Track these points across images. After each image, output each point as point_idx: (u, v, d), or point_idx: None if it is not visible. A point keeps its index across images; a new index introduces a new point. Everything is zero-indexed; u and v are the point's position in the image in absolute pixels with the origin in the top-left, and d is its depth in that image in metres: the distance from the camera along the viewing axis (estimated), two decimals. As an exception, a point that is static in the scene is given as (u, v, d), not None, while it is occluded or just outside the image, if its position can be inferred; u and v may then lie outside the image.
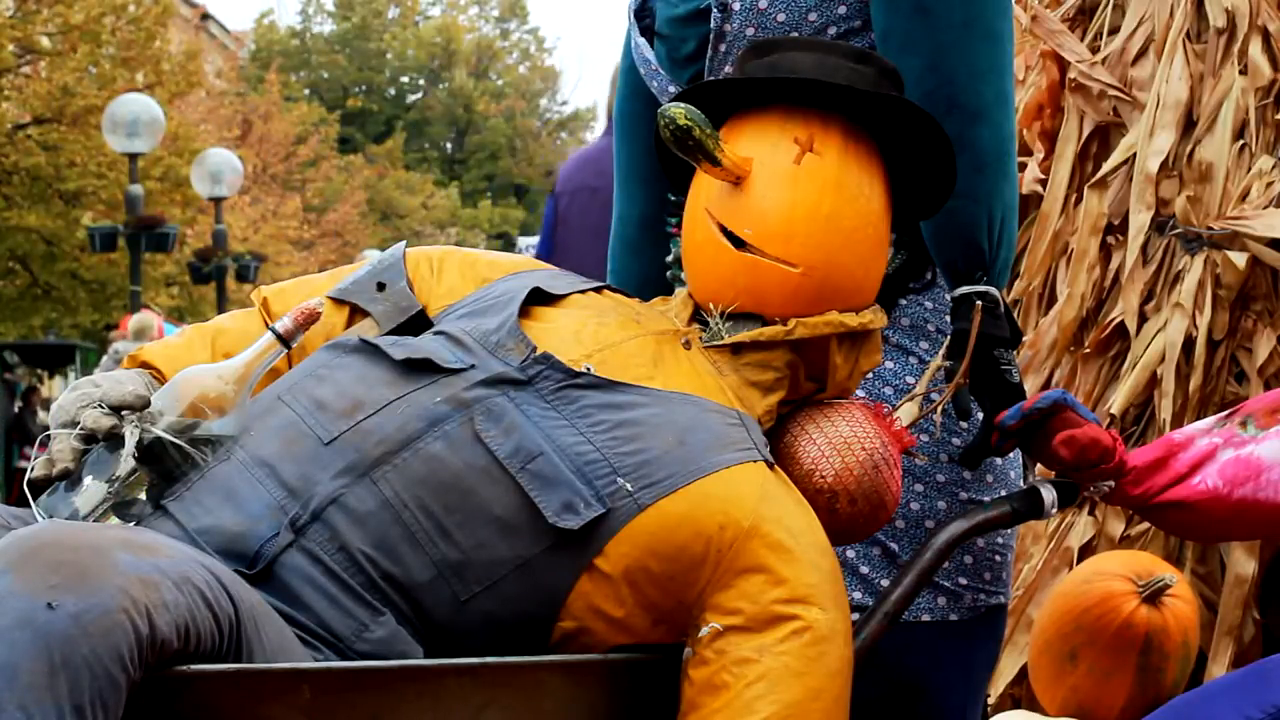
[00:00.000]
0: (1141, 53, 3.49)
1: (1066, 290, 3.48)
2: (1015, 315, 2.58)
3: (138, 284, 15.95)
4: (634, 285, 2.26)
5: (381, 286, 1.95)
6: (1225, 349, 3.26)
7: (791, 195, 1.87)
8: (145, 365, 1.88)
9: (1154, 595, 2.55)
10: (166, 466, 1.69)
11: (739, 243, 1.88)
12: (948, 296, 2.14)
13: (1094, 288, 3.45)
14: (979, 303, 2.07)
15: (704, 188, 1.92)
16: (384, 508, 1.66)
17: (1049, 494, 2.05)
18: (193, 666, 1.49)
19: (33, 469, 1.70)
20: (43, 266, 19.84)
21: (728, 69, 2.18)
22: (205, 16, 33.08)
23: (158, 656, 1.44)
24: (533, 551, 1.67)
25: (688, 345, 1.87)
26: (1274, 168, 3.29)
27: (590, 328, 1.84)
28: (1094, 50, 3.57)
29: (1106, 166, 3.46)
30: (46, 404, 18.30)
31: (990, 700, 3.28)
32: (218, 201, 18.74)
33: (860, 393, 2.10)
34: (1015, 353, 2.12)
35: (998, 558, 2.22)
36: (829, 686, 1.70)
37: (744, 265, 1.87)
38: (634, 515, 1.69)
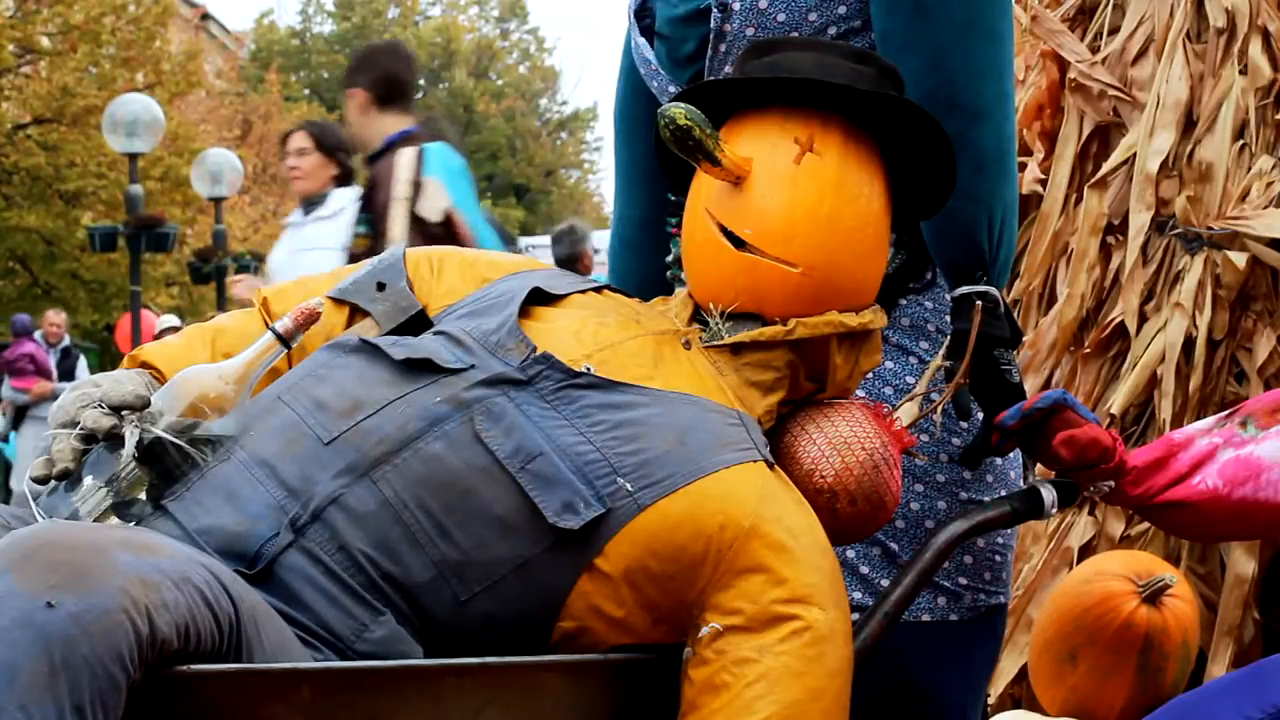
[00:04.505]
0: (1141, 53, 3.49)
1: (1066, 290, 3.48)
2: (1015, 315, 2.58)
3: (138, 284, 15.95)
4: (634, 285, 2.26)
5: (381, 286, 1.95)
6: (1225, 349, 3.27)
7: (791, 195, 1.87)
8: (145, 365, 1.88)
9: (1154, 595, 2.55)
10: (166, 466, 1.69)
11: (739, 243, 1.88)
12: (948, 296, 2.14)
13: (1094, 288, 3.46)
14: (979, 303, 2.07)
15: (704, 188, 1.92)
16: (384, 508, 1.66)
17: (1049, 494, 2.04)
18: (193, 666, 1.49)
19: (33, 469, 1.70)
20: (43, 266, 19.85)
21: (728, 69, 2.18)
22: (205, 16, 33.05)
23: (158, 656, 1.44)
24: (533, 551, 1.67)
25: (688, 345, 1.87)
26: (1274, 168, 3.29)
27: (590, 328, 1.84)
28: (1094, 50, 3.57)
29: (1106, 166, 3.47)
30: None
31: (990, 700, 3.28)
32: (218, 201, 18.72)
33: (860, 393, 2.10)
34: (1015, 353, 2.12)
35: (998, 558, 2.22)
36: (829, 686, 1.70)
37: (744, 265, 1.87)
38: (634, 515, 1.69)
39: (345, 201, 5.60)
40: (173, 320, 13.91)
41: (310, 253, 5.56)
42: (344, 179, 5.79)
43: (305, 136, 5.84)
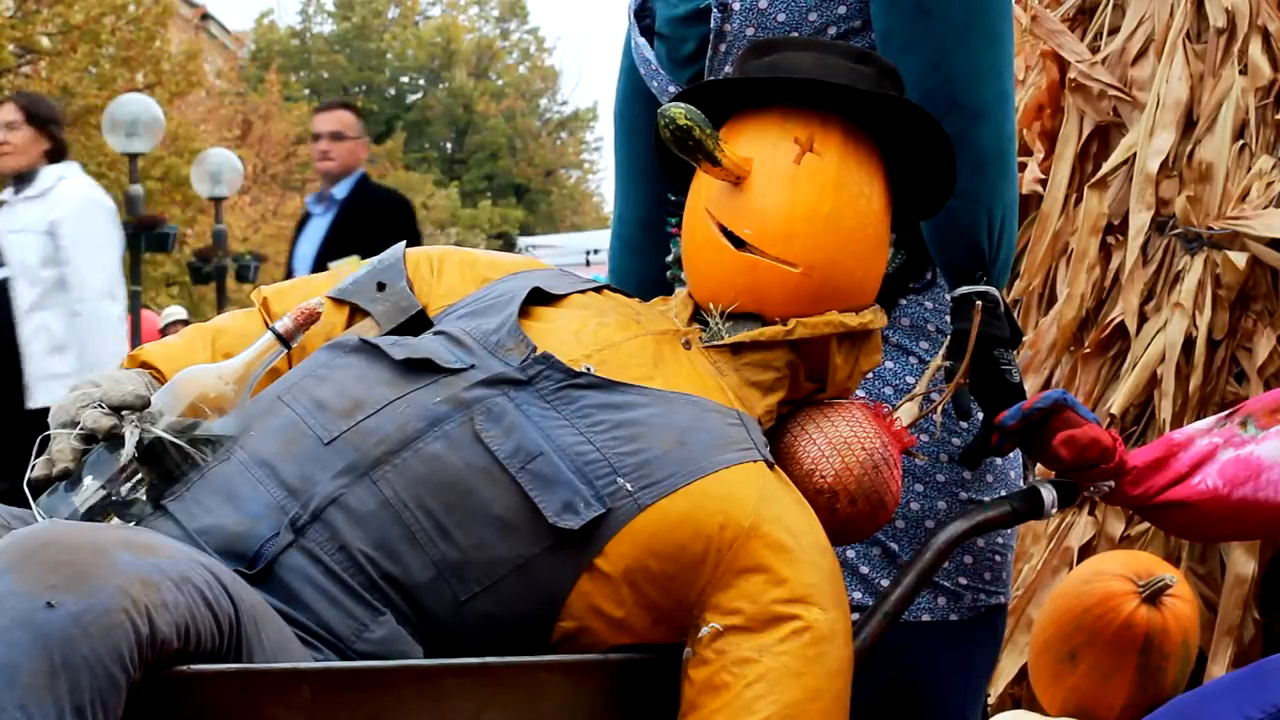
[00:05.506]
0: (1141, 53, 3.49)
1: (1066, 290, 3.48)
2: (1015, 315, 2.58)
3: (138, 284, 15.93)
4: (634, 285, 2.26)
5: (381, 286, 1.95)
6: (1225, 349, 3.27)
7: (791, 195, 1.87)
8: (145, 365, 1.88)
9: (1154, 595, 2.55)
10: (166, 466, 1.69)
11: (739, 243, 1.88)
12: (948, 296, 2.14)
13: (1094, 288, 3.46)
14: (979, 303, 2.07)
15: (704, 188, 1.92)
16: (384, 508, 1.66)
17: (1049, 494, 2.04)
18: (193, 666, 1.49)
19: (33, 469, 1.70)
20: (43, 266, 19.80)
21: (728, 69, 2.18)
22: (205, 16, 33.06)
23: (158, 656, 1.44)
24: (533, 551, 1.67)
25: (688, 345, 1.87)
26: (1274, 168, 3.29)
27: (590, 328, 1.84)
28: (1094, 50, 3.57)
29: (1106, 166, 3.47)
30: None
31: (990, 700, 3.28)
32: (218, 201, 18.73)
33: (860, 393, 2.10)
34: (1015, 353, 2.12)
35: (998, 558, 2.22)
36: (828, 687, 1.70)
37: (744, 265, 1.87)
38: (634, 515, 1.69)
39: (54, 180, 5.37)
40: (179, 313, 13.84)
41: (20, 234, 5.29)
42: (56, 154, 5.50)
43: (15, 109, 5.43)
